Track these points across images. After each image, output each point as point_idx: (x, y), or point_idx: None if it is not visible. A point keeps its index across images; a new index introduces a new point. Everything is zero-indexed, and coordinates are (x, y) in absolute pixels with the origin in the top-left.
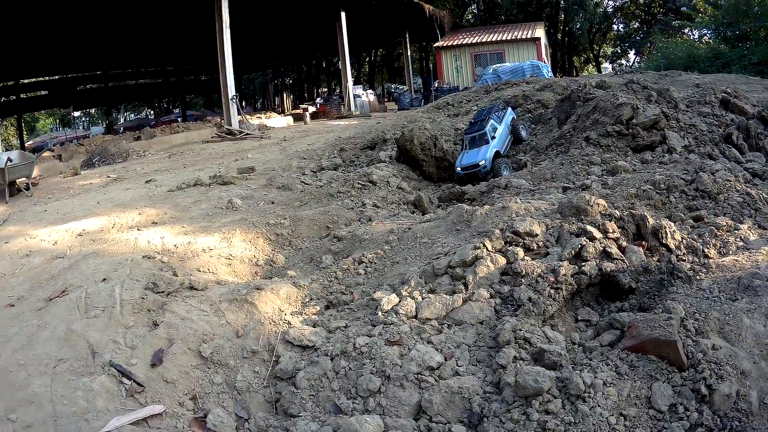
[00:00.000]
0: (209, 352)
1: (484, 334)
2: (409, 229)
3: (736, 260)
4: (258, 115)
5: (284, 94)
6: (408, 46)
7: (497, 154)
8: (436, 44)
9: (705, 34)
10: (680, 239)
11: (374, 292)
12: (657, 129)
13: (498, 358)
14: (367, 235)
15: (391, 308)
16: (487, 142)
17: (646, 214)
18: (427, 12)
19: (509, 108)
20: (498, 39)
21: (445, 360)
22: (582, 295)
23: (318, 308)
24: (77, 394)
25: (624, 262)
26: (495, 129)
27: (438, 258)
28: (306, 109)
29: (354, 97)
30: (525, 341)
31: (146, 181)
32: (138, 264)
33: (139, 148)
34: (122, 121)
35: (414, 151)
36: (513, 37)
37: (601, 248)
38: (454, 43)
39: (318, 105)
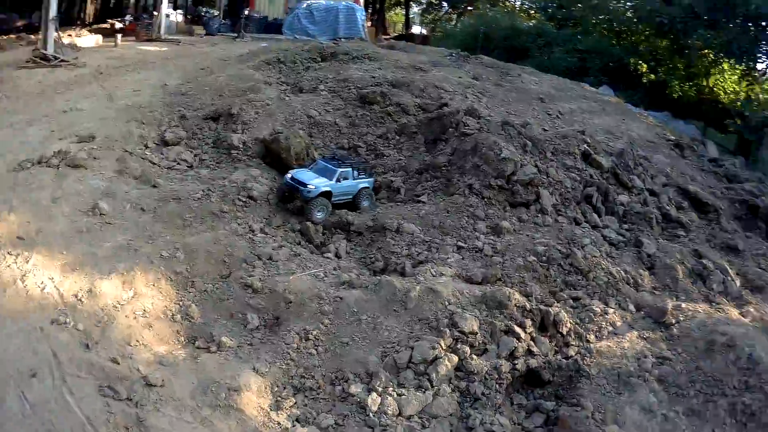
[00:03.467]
0: None
1: (456, 425)
2: (341, 299)
3: (609, 346)
4: (69, 32)
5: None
6: None
7: (328, 194)
8: None
9: (531, 6)
10: (570, 327)
11: (344, 382)
12: (533, 186)
13: None
14: (290, 294)
15: (378, 408)
16: (330, 179)
17: (550, 310)
18: None
19: (372, 179)
20: None
21: None
22: (513, 383)
23: (293, 400)
24: None
25: (542, 356)
26: (346, 178)
27: (397, 351)
28: (113, 26)
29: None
30: (489, 429)
31: None
32: (52, 337)
33: None
34: None
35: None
36: None
37: (527, 347)
38: None
39: (127, 23)
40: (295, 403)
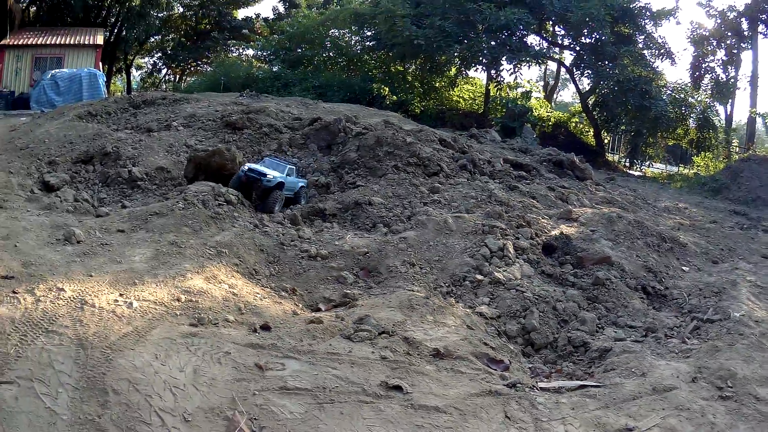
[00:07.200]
0: None
1: (539, 278)
2: (405, 238)
3: (556, 232)
4: None
5: None
6: None
7: (280, 185)
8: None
9: (261, 55)
10: (535, 225)
11: (463, 280)
12: (433, 161)
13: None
14: (360, 249)
15: (506, 278)
16: (282, 173)
17: (522, 215)
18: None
19: (306, 180)
20: (59, 42)
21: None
22: (540, 253)
23: (451, 300)
24: None
25: (543, 237)
26: (290, 175)
27: (478, 250)
28: None
29: None
30: (555, 272)
31: None
32: (218, 336)
33: None
34: None
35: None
36: (75, 42)
37: (535, 232)
38: (19, 43)
39: None
40: (453, 302)
